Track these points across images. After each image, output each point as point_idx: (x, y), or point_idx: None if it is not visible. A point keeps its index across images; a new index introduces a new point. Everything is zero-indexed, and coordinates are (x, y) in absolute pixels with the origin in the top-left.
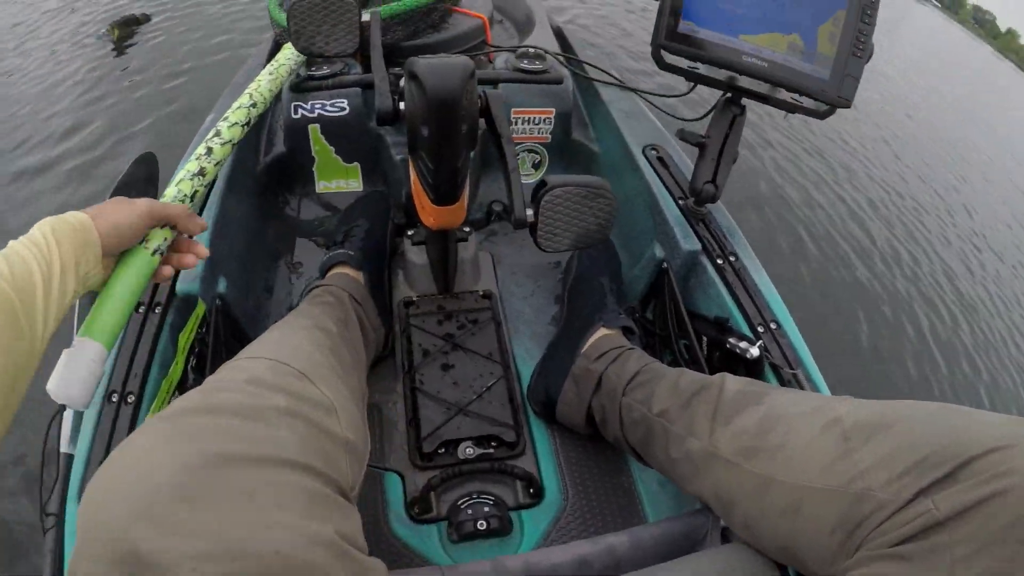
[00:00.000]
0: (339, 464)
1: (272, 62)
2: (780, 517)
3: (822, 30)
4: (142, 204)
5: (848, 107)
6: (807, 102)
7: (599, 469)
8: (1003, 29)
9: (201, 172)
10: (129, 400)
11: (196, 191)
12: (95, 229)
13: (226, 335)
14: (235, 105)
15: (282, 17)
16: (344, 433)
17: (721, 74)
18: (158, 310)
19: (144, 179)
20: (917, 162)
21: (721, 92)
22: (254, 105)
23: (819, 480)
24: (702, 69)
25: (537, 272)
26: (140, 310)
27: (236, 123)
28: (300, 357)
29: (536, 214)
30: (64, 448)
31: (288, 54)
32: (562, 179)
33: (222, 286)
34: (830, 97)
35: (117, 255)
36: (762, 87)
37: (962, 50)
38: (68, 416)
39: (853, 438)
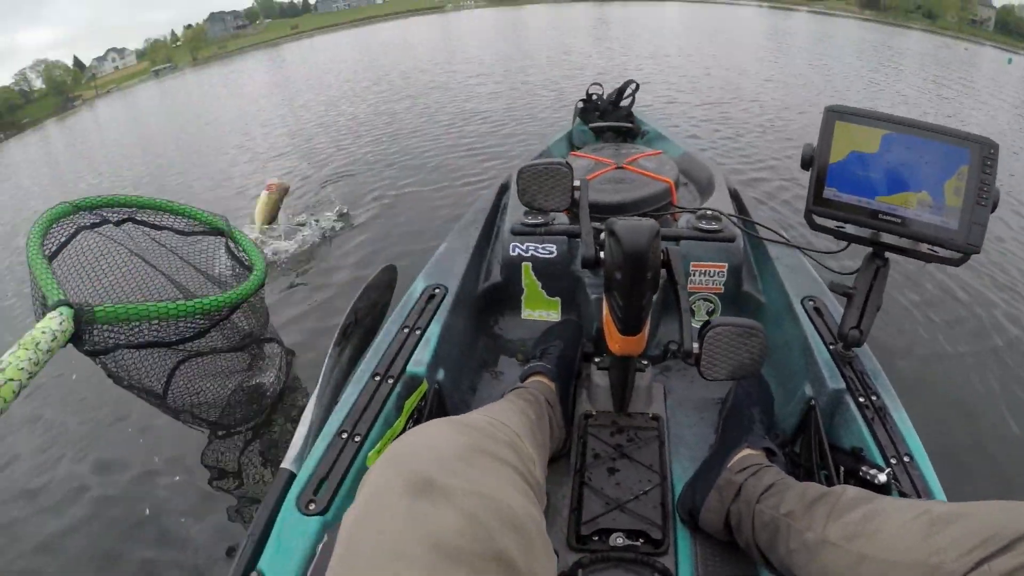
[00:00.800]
0: (539, 492)
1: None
2: None
3: (948, 185)
4: None
5: (977, 252)
6: (942, 252)
7: (731, 573)
8: None
9: None
10: (356, 439)
11: None
12: None
13: (438, 413)
14: None
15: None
16: (539, 478)
17: (865, 231)
18: (390, 381)
19: (385, 284)
20: None
21: (867, 247)
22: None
23: (904, 556)
24: (848, 228)
25: (702, 406)
26: (376, 378)
27: None
28: (514, 423)
29: (700, 347)
30: (286, 464)
31: (43, 326)
32: (723, 320)
33: (441, 375)
34: (959, 245)
35: None
36: (903, 241)
37: None
38: (298, 438)
39: (937, 524)
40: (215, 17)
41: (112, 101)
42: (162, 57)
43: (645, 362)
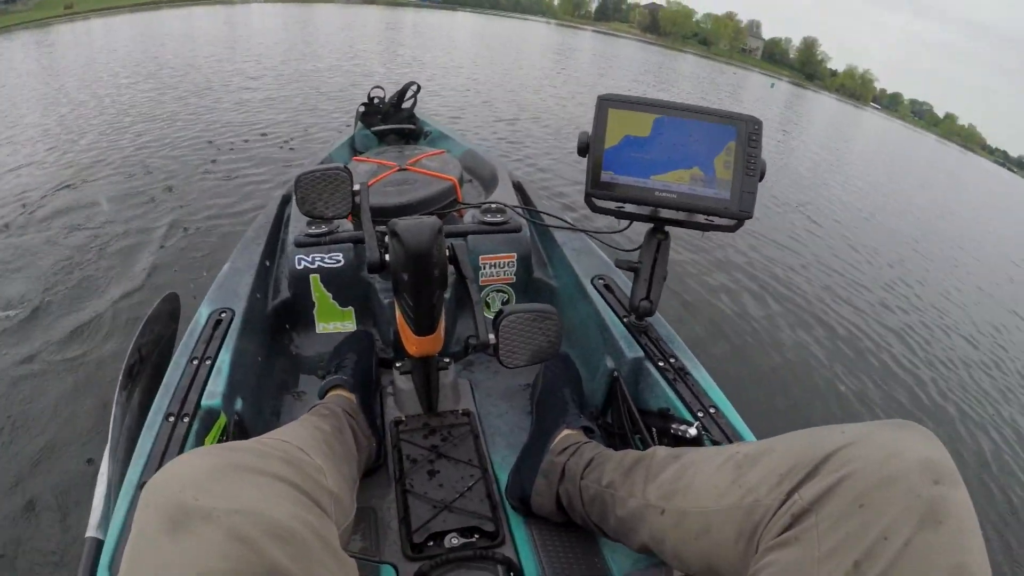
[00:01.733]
0: (323, 501)
1: None
2: (696, 541)
3: (717, 160)
4: None
5: (750, 218)
6: (718, 220)
7: (573, 552)
8: (941, 115)
9: None
10: None
11: None
12: None
13: None
14: None
15: None
16: (330, 487)
17: (644, 209)
18: (186, 419)
19: (168, 314)
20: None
21: (648, 224)
22: None
23: (720, 503)
24: (628, 208)
25: (510, 393)
26: (170, 419)
27: None
28: (299, 438)
29: (496, 337)
30: (90, 532)
31: None
32: (515, 307)
33: (239, 405)
34: (733, 213)
35: None
36: (679, 215)
37: (906, 141)
38: (97, 500)
39: (743, 465)
40: None
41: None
42: None
43: (447, 360)
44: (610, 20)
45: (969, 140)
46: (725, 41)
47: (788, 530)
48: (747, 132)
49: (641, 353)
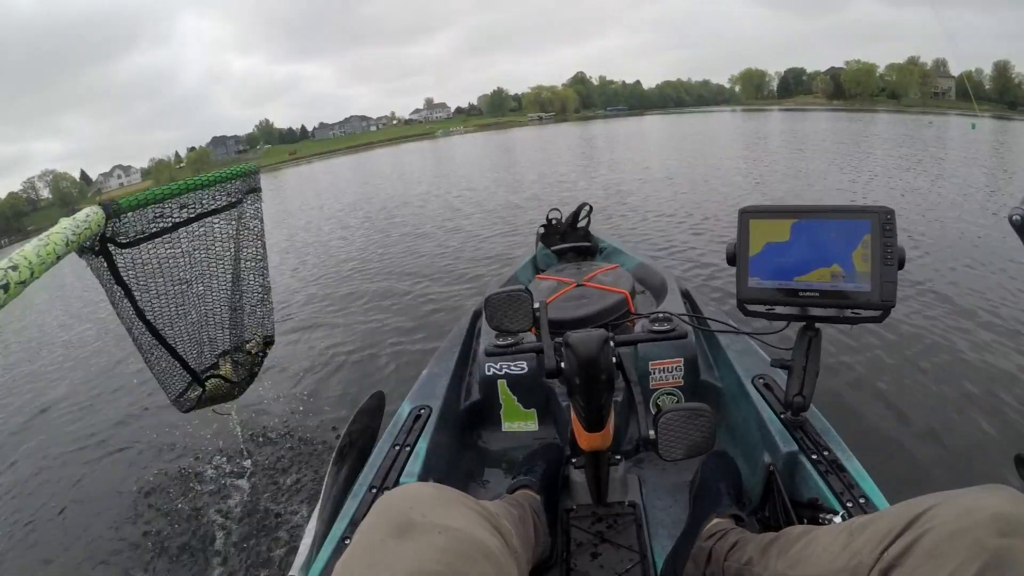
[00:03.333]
0: (512, 551)
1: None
2: None
3: (855, 254)
4: None
5: (892, 307)
6: (864, 313)
7: None
8: None
9: None
10: None
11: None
12: None
13: None
14: None
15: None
16: (516, 546)
17: (793, 309)
18: (386, 491)
19: (375, 408)
20: None
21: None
22: (14, 268)
23: (831, 566)
24: (778, 309)
25: (675, 489)
26: (373, 490)
27: None
28: (494, 507)
29: (656, 432)
30: (294, 571)
31: (66, 223)
32: (673, 406)
33: None
34: (876, 304)
35: None
36: (828, 311)
37: None
38: (303, 548)
39: (855, 533)
40: (217, 141)
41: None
42: (166, 177)
43: (618, 456)
44: (793, 95)
45: None
46: (914, 89)
47: None
48: (881, 223)
49: (796, 447)
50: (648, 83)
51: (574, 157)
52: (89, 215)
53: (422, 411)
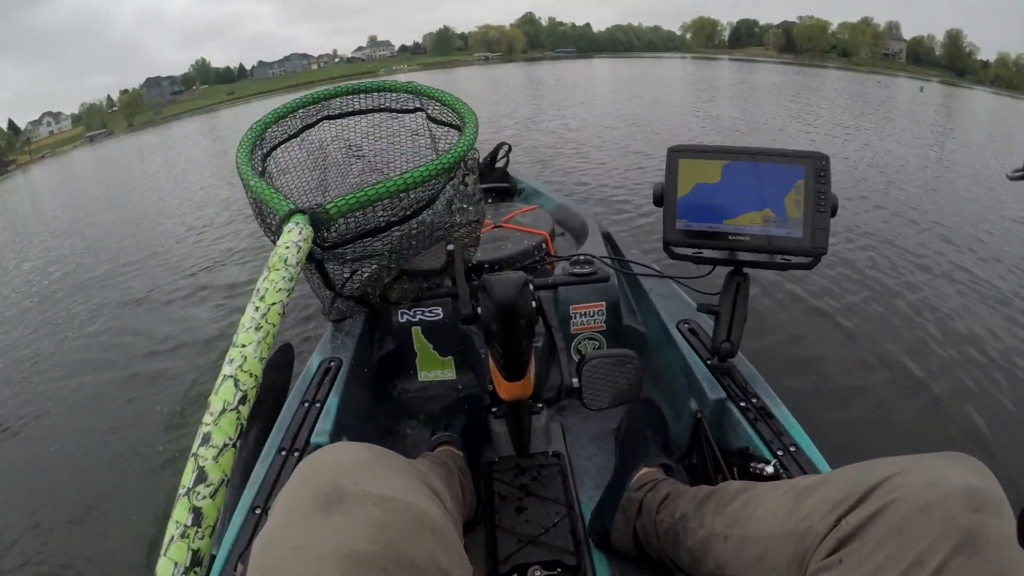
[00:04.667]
0: (451, 512)
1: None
2: (754, 566)
3: (788, 199)
4: None
5: (824, 254)
6: (794, 259)
7: None
8: None
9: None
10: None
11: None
12: None
13: None
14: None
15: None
16: (451, 507)
17: (722, 253)
18: (296, 453)
19: (282, 363)
20: None
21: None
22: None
23: (777, 529)
24: (706, 253)
25: (600, 437)
26: (283, 452)
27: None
28: (421, 465)
29: (580, 380)
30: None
31: (285, 241)
32: (597, 352)
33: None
34: (807, 250)
35: None
36: (758, 256)
37: None
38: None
39: (803, 495)
40: (151, 82)
41: (47, 167)
42: (97, 122)
43: (540, 404)
44: (744, 46)
45: None
46: (865, 49)
47: (833, 553)
48: (815, 169)
49: (723, 394)
50: (598, 27)
51: (511, 96)
52: (299, 243)
53: (332, 364)
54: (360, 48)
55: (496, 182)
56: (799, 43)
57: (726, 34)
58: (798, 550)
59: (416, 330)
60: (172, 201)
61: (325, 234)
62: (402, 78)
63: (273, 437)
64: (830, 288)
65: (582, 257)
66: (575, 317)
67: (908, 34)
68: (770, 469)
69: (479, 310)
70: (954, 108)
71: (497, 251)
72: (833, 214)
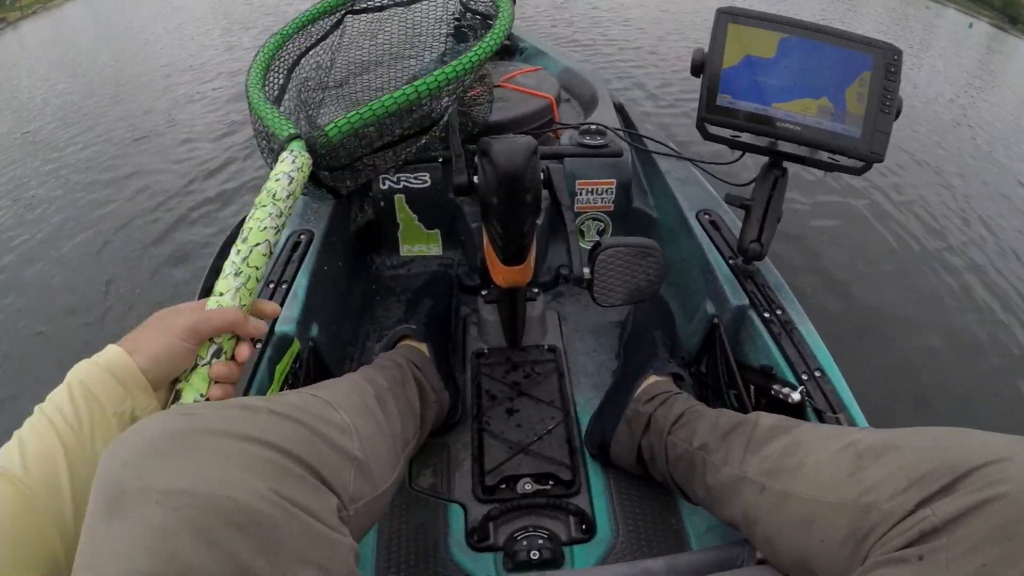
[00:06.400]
0: (336, 468)
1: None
2: (795, 530)
3: (849, 92)
4: (181, 327)
5: (881, 161)
6: (844, 160)
7: (650, 509)
8: None
9: (240, 273)
10: None
11: (246, 292)
12: (133, 364)
13: (315, 374)
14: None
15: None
16: (355, 452)
17: (762, 140)
18: (258, 345)
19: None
20: None
21: (764, 157)
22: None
23: (832, 494)
24: (744, 137)
25: (600, 330)
26: None
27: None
28: (334, 394)
29: (592, 272)
30: None
31: (276, 173)
32: (615, 240)
33: (314, 331)
34: (863, 154)
35: (169, 383)
36: (801, 150)
37: None
38: None
39: (865, 457)
40: None
41: (38, 23)
42: None
43: (536, 290)
44: None
45: None
46: None
47: (911, 546)
48: (885, 62)
49: (746, 300)
50: None
51: None
52: (291, 173)
53: (302, 236)
54: None
55: None
56: None
57: None
58: (859, 526)
59: (399, 198)
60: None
61: (328, 160)
62: None
63: None
64: (881, 204)
65: (593, 127)
66: (580, 193)
67: None
68: (796, 396)
69: (476, 179)
70: (999, 53)
71: (497, 112)
72: (896, 117)
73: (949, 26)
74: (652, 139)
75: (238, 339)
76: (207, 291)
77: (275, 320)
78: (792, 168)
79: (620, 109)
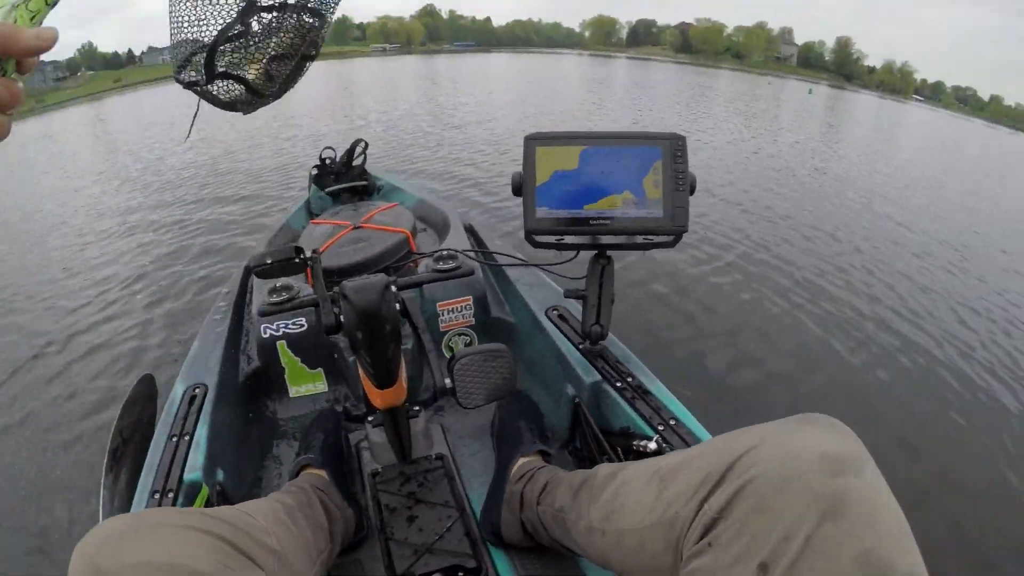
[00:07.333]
0: (261, 554)
1: None
2: (635, 557)
3: (647, 181)
4: None
5: (685, 231)
6: (657, 239)
7: (554, 573)
8: (987, 99)
9: None
10: None
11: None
12: None
13: None
14: None
15: None
16: (275, 546)
17: (585, 238)
18: (171, 494)
19: (145, 396)
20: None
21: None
22: None
23: (648, 519)
24: (568, 239)
25: (480, 432)
26: (156, 496)
27: None
28: (251, 508)
29: (452, 380)
30: None
31: None
32: (467, 350)
33: (220, 476)
34: (669, 229)
35: None
36: (620, 238)
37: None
38: None
39: (666, 479)
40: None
41: None
42: None
43: (417, 408)
44: (642, 44)
45: (1019, 120)
46: (758, 52)
47: (702, 539)
48: (672, 150)
49: (598, 377)
50: (499, 21)
51: (401, 86)
52: None
53: (197, 390)
54: None
55: (354, 180)
56: (695, 44)
57: (624, 32)
58: (670, 537)
59: (281, 344)
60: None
61: None
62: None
63: (144, 479)
64: (696, 267)
65: (445, 252)
66: (443, 314)
67: (800, 39)
68: (653, 445)
69: (342, 318)
70: (839, 108)
71: (357, 254)
72: (692, 192)
73: (793, 95)
74: (499, 253)
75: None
76: None
77: (182, 469)
78: (618, 253)
79: (471, 230)
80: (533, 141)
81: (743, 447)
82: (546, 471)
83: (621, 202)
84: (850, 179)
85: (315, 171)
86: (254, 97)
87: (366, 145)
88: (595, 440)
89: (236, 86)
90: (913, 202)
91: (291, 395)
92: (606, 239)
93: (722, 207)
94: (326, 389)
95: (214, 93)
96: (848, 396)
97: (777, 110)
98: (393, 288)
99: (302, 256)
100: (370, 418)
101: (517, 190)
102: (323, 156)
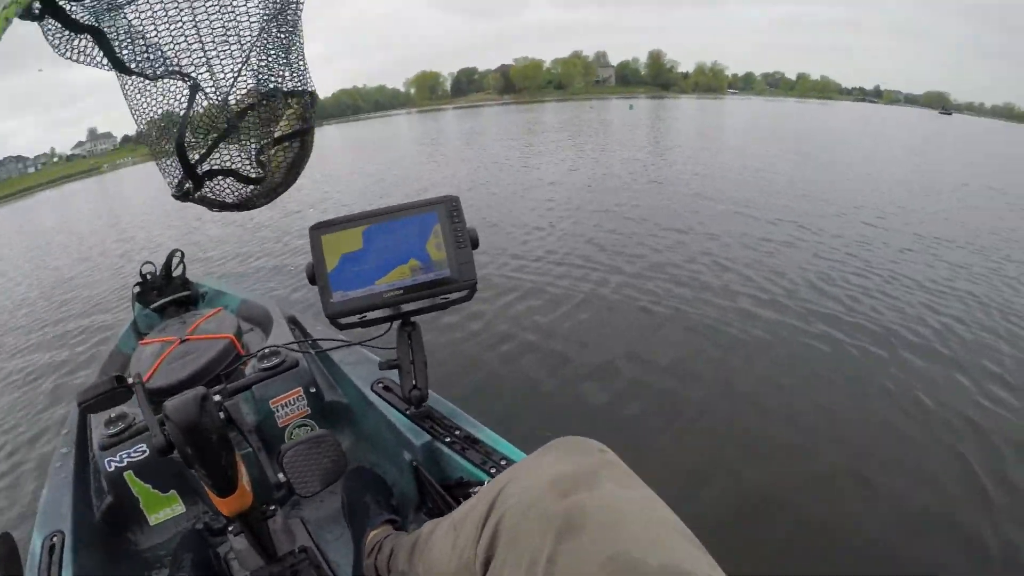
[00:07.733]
0: None
1: None
2: None
3: (429, 245)
4: None
5: (475, 282)
6: (452, 296)
7: None
8: (794, 78)
9: None
10: None
11: None
12: None
13: None
14: None
15: None
16: None
17: (386, 311)
18: None
19: (6, 558)
20: None
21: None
22: None
23: (451, 566)
24: (371, 315)
25: (339, 516)
26: None
27: None
28: None
29: (285, 474)
30: None
31: None
32: (291, 442)
33: None
34: (459, 285)
35: None
36: (420, 303)
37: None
38: None
39: (457, 527)
40: None
41: None
42: None
43: (272, 507)
44: (466, 94)
45: (825, 91)
46: (578, 79)
47: (486, 572)
48: (448, 211)
49: (428, 437)
50: (323, 93)
51: None
52: None
53: (55, 538)
54: (80, 143)
55: (176, 292)
56: (517, 83)
57: (448, 84)
58: None
59: (129, 474)
60: None
61: None
62: (125, 172)
63: None
64: (498, 310)
65: (268, 350)
66: (278, 410)
67: (615, 60)
68: None
69: (171, 439)
70: (662, 116)
71: (186, 368)
72: (475, 246)
73: (616, 114)
74: (321, 339)
75: None
76: None
77: None
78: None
79: (293, 321)
80: (317, 231)
81: (500, 485)
82: (391, 539)
83: (409, 271)
84: (682, 181)
85: (137, 288)
86: (260, 188)
87: (183, 255)
88: (440, 496)
89: (238, 184)
90: (741, 194)
91: (151, 523)
92: (406, 307)
93: (569, 239)
94: (184, 509)
95: (213, 197)
96: (670, 401)
97: (605, 130)
98: (216, 397)
99: (124, 384)
100: (230, 528)
101: (312, 279)
102: (143, 272)
